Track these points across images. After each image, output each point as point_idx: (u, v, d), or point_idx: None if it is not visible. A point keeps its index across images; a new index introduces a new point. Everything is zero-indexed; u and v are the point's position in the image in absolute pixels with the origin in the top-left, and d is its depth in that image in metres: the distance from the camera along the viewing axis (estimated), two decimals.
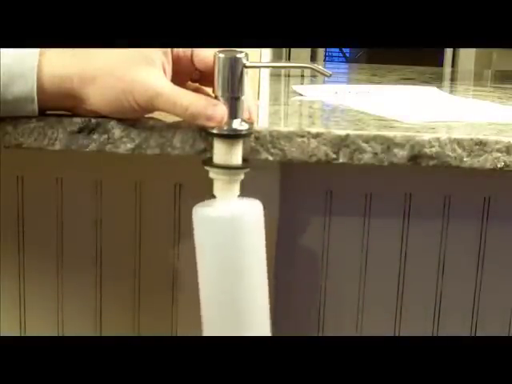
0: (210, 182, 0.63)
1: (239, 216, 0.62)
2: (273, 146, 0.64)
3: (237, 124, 0.62)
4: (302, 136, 0.64)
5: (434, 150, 0.64)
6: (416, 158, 0.64)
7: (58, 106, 0.63)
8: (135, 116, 0.63)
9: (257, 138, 0.64)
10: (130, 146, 0.64)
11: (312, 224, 0.94)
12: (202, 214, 0.63)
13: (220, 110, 0.61)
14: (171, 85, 0.61)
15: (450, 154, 0.64)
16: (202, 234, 0.63)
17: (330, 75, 0.63)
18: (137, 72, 0.60)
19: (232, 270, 0.63)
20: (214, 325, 0.65)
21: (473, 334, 0.97)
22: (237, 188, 0.63)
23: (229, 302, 0.64)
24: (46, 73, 0.60)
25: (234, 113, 0.62)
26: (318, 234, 0.94)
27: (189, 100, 0.61)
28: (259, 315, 0.65)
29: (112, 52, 0.61)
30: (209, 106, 0.61)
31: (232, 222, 0.62)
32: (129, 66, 0.61)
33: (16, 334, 0.96)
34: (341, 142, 0.64)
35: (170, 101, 0.61)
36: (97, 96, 0.61)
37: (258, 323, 0.65)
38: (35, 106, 0.61)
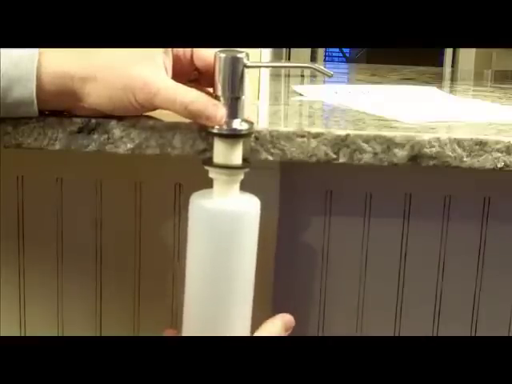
0: (210, 182, 0.63)
1: (237, 210, 0.62)
2: (273, 146, 0.64)
3: (237, 124, 0.62)
4: (302, 136, 0.64)
5: (434, 150, 0.64)
6: (416, 158, 0.64)
7: (58, 105, 0.63)
8: (135, 114, 0.63)
9: (257, 138, 0.64)
10: (130, 145, 0.64)
11: (312, 224, 0.94)
12: (199, 205, 0.63)
13: (219, 111, 0.61)
14: (172, 82, 0.61)
15: (450, 154, 0.64)
16: (196, 223, 0.63)
17: (332, 75, 0.63)
18: (138, 69, 0.60)
19: (221, 263, 0.62)
20: (193, 317, 0.65)
21: (473, 334, 0.97)
22: (237, 188, 0.63)
23: (212, 294, 0.63)
24: (46, 72, 0.60)
25: (234, 113, 0.61)
26: (318, 234, 0.94)
27: (189, 98, 0.61)
28: (240, 312, 0.65)
29: (112, 50, 0.61)
30: (209, 106, 0.61)
31: (231, 215, 0.62)
32: (130, 63, 0.61)
33: (16, 333, 0.96)
34: (341, 142, 0.64)
35: (170, 98, 0.60)
36: (97, 93, 0.61)
37: (238, 320, 0.65)
38: (35, 108, 0.61)
